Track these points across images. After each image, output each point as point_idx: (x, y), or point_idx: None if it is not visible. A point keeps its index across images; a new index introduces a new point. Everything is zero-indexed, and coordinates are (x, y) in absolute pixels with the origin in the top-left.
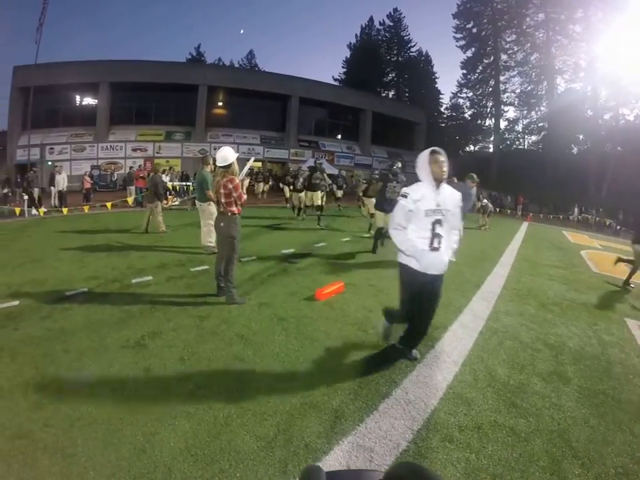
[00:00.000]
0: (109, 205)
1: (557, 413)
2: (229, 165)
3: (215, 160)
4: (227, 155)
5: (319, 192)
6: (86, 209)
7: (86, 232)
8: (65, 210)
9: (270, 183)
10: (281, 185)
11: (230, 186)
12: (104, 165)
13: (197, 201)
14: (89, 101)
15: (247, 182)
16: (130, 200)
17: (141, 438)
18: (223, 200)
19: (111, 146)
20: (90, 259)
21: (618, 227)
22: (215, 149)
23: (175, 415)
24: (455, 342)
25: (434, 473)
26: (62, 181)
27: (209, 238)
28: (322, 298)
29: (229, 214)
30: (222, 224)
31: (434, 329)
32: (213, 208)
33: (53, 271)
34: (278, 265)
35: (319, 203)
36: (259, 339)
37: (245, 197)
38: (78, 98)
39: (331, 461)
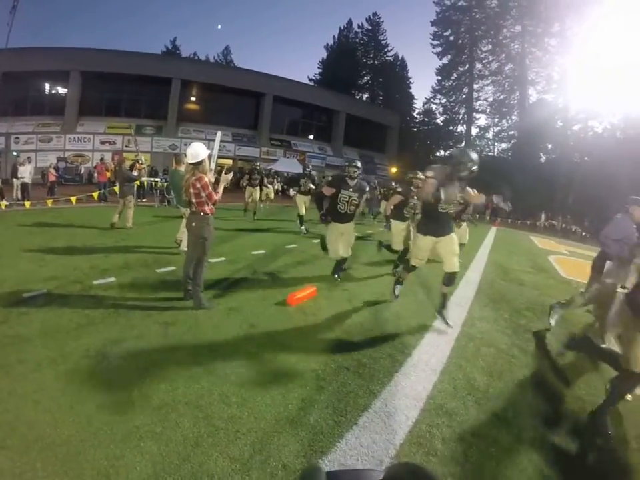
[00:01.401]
0: (73, 199)
1: (538, 421)
2: (200, 162)
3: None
4: (198, 151)
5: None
6: (49, 203)
7: (48, 227)
8: (27, 203)
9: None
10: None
11: (198, 185)
12: (71, 157)
13: (178, 205)
14: (58, 89)
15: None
16: (95, 195)
17: (104, 462)
18: (193, 200)
19: (78, 137)
20: (51, 257)
21: (583, 234)
22: (185, 145)
23: (141, 436)
24: (432, 349)
25: (433, 473)
26: (27, 173)
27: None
28: (294, 303)
29: (201, 214)
30: (193, 224)
31: (409, 336)
32: None
33: (10, 270)
34: (248, 267)
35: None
36: (229, 349)
37: (215, 196)
38: (47, 86)
39: None
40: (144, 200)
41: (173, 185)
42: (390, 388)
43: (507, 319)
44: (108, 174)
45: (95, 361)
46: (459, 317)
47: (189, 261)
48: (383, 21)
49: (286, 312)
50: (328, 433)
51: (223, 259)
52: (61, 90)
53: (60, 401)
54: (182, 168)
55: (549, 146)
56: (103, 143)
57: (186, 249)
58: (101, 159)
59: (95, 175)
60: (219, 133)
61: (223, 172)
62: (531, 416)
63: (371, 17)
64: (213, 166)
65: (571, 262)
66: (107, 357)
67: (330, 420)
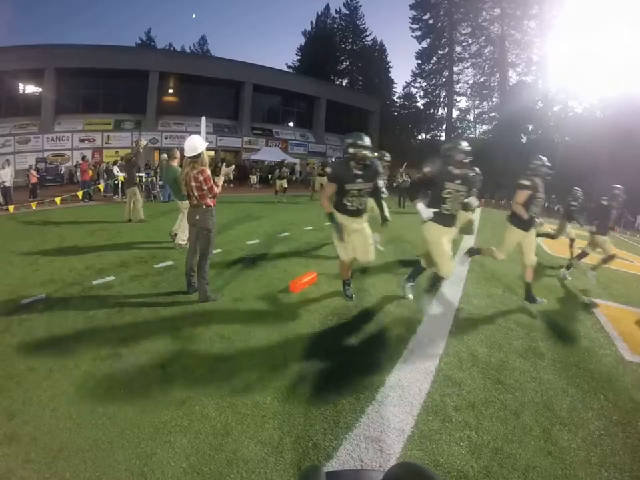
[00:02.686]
0: (58, 200)
1: (538, 385)
2: (198, 155)
3: (182, 151)
4: (196, 144)
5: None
6: (34, 205)
7: (36, 231)
8: (10, 208)
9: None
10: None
11: (201, 178)
12: (50, 157)
13: (177, 200)
14: (32, 88)
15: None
16: (80, 194)
17: (136, 461)
18: (195, 193)
19: (57, 137)
20: (44, 261)
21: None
22: (166, 139)
23: (169, 431)
24: (434, 325)
25: (432, 472)
26: (7, 176)
27: (183, 235)
28: (297, 289)
29: (204, 206)
30: (197, 216)
31: (412, 314)
32: None
33: (4, 277)
34: (246, 257)
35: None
36: (241, 337)
37: (217, 189)
38: (21, 86)
39: (343, 456)
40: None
41: (168, 180)
42: (400, 364)
43: (500, 295)
44: (91, 172)
45: (108, 361)
46: (455, 294)
47: (192, 254)
48: (361, 5)
49: (291, 298)
50: (350, 409)
51: (219, 250)
52: (36, 89)
53: (79, 406)
54: (175, 163)
55: (530, 127)
56: (82, 140)
57: (181, 242)
58: (83, 157)
59: (78, 173)
60: (204, 119)
61: (224, 165)
62: (531, 381)
63: (349, 2)
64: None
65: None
66: (120, 357)
67: (350, 397)
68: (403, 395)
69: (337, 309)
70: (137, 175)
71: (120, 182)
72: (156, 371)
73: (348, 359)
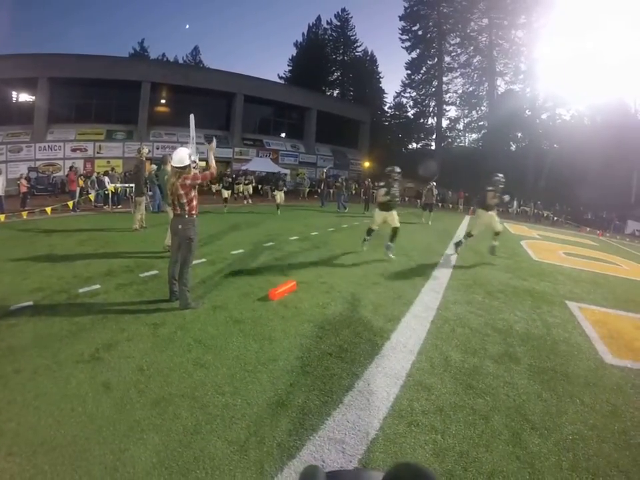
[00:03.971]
0: (48, 210)
1: (511, 390)
2: (185, 167)
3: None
4: (183, 156)
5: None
6: (24, 215)
7: (27, 239)
8: (1, 217)
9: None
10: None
11: (188, 182)
12: (42, 167)
13: (165, 205)
14: (25, 97)
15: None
16: (71, 204)
17: (110, 456)
18: (183, 200)
19: (49, 146)
20: (33, 269)
21: (555, 218)
22: (158, 149)
23: (142, 429)
24: (409, 332)
25: (432, 473)
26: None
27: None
28: (275, 297)
29: (187, 216)
30: (179, 226)
31: (387, 321)
32: None
33: None
34: (228, 266)
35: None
36: (218, 343)
37: (212, 170)
38: (14, 94)
39: (305, 456)
40: (119, 206)
41: (161, 182)
42: (371, 369)
43: (480, 301)
44: (81, 182)
45: (90, 364)
46: (433, 301)
47: (173, 262)
48: (351, 17)
49: (269, 306)
50: (316, 412)
51: (204, 260)
52: (29, 97)
53: (60, 405)
54: (169, 167)
55: (519, 134)
56: (74, 150)
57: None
58: (71, 167)
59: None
60: (192, 116)
61: (209, 144)
62: (504, 386)
63: (340, 13)
64: (193, 149)
65: (541, 245)
66: (101, 360)
67: (317, 400)
68: (371, 399)
69: (312, 316)
70: (127, 185)
71: (110, 192)
72: (134, 374)
73: (320, 364)
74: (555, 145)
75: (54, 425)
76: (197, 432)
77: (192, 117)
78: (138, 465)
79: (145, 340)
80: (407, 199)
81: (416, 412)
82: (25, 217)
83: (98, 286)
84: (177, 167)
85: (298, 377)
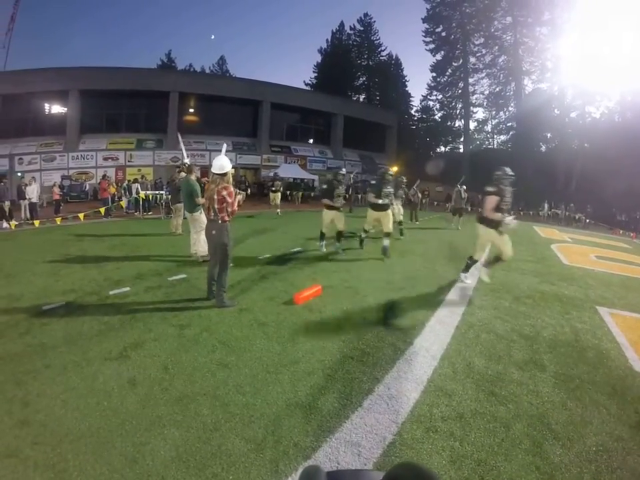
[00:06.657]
0: (81, 215)
1: (535, 398)
2: (225, 173)
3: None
4: (224, 163)
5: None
6: (58, 220)
7: (59, 244)
8: (36, 222)
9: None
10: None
11: (224, 193)
12: (75, 175)
13: (186, 212)
14: (58, 109)
15: (240, 197)
16: (102, 210)
17: (131, 448)
18: (216, 206)
19: (81, 155)
20: (65, 272)
21: (587, 220)
22: (187, 157)
23: (164, 424)
24: (433, 337)
25: (433, 473)
26: (34, 192)
27: (199, 247)
28: (300, 302)
29: (220, 221)
30: (213, 232)
31: (411, 326)
32: (204, 217)
33: (28, 286)
34: (255, 271)
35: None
36: (241, 345)
37: (236, 208)
38: (47, 106)
39: (321, 457)
40: (150, 213)
41: (184, 192)
42: (392, 373)
43: (507, 307)
44: (112, 189)
45: (117, 361)
46: (459, 306)
47: (213, 265)
48: (374, 21)
49: (293, 310)
50: (335, 414)
51: (231, 265)
52: (61, 109)
53: (87, 399)
54: (193, 176)
55: (548, 135)
56: (105, 159)
57: (202, 254)
58: (103, 176)
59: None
60: (225, 145)
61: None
62: (527, 394)
63: (362, 18)
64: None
65: (573, 249)
66: (128, 358)
67: (336, 403)
68: (390, 404)
69: (336, 320)
70: (157, 192)
71: (141, 199)
72: (159, 372)
73: (341, 367)
74: (586, 145)
75: (79, 417)
76: (216, 429)
77: (224, 146)
78: (157, 458)
79: (171, 340)
80: (435, 203)
81: (435, 418)
82: (58, 222)
83: (128, 288)
84: (217, 174)
85: (318, 380)
